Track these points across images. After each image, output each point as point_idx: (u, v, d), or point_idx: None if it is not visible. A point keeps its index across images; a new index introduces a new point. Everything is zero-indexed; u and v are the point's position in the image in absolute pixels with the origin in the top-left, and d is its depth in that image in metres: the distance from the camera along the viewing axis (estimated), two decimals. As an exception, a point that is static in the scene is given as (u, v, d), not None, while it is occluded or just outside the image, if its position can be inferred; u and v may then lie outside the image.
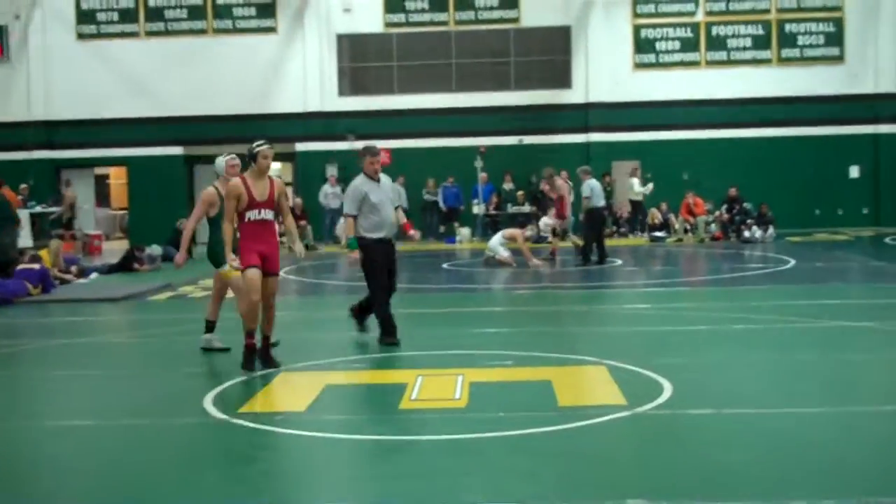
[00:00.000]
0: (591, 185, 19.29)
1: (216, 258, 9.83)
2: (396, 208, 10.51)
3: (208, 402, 7.75)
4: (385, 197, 10.27)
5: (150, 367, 9.72)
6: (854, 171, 28.29)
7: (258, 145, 9.02)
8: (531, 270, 18.71)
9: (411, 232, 11.01)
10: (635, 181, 26.78)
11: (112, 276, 19.36)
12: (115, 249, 25.02)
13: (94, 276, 19.13)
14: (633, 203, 27.01)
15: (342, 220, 10.98)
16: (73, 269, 18.78)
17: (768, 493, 5.30)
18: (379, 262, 10.19)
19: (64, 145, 28.53)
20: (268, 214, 8.93)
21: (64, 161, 28.88)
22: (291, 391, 8.17)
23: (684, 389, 7.74)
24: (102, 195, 32.86)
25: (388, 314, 10.24)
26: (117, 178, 33.22)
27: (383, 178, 10.44)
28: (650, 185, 26.61)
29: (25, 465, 6.45)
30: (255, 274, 8.76)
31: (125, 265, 20.15)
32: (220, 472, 6.05)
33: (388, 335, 10.21)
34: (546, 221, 25.53)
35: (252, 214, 8.85)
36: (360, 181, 10.31)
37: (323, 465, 6.33)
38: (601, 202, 19.59)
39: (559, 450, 6.30)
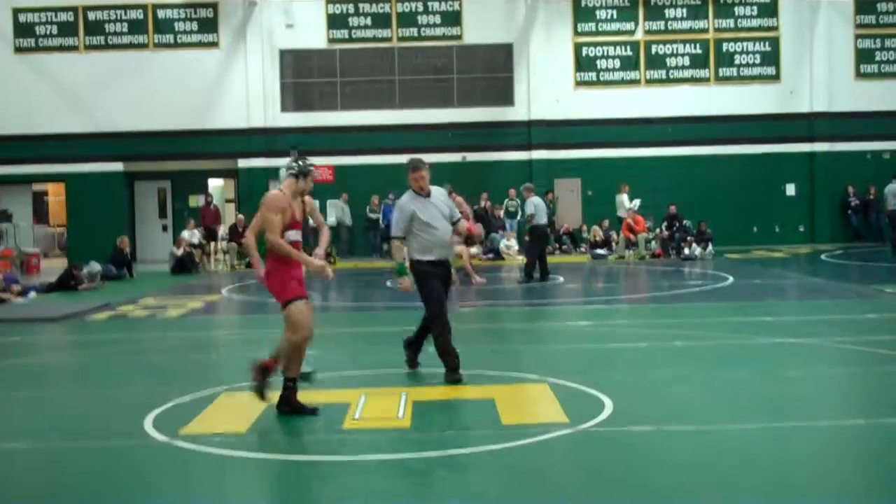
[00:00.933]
0: (535, 203, 19.41)
1: None
2: (456, 222, 9.34)
3: (149, 424, 7.66)
4: (437, 213, 9.15)
5: (89, 388, 9.57)
6: (790, 189, 28.85)
7: (310, 164, 8.04)
8: (474, 288, 18.75)
9: (473, 229, 9.76)
10: (624, 197, 26.82)
11: (51, 295, 19.06)
12: (53, 267, 24.63)
13: (32, 295, 18.82)
14: (622, 220, 26.97)
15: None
16: (15, 287, 18.50)
17: (708, 510, 5.38)
18: (435, 280, 9.13)
19: (0, 161, 28.05)
20: (299, 236, 7.97)
21: (0, 177, 28.40)
22: (232, 412, 8.10)
23: (625, 406, 7.81)
24: (40, 212, 32.36)
25: (449, 343, 9.08)
26: (56, 194, 32.76)
27: (435, 191, 9.32)
28: (637, 202, 26.70)
29: (-40, 490, 6.33)
30: (303, 306, 7.81)
31: (64, 284, 19.85)
32: (161, 495, 5.98)
33: (453, 370, 9.04)
34: (506, 243, 25.89)
35: (290, 235, 7.83)
36: (406, 198, 9.23)
37: (264, 487, 6.30)
38: (544, 220, 19.71)
39: (502, 468, 6.32)
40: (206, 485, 6.21)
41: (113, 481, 6.30)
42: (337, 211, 27.76)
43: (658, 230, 25.89)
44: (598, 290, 19.33)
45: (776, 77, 28.91)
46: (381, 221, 27.00)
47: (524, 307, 16.29)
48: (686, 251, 24.63)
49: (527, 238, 20.02)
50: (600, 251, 25.91)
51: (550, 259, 21.16)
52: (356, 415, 7.80)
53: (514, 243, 26.11)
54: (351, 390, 8.61)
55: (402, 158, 28.93)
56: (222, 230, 26.96)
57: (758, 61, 28.93)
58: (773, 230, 28.71)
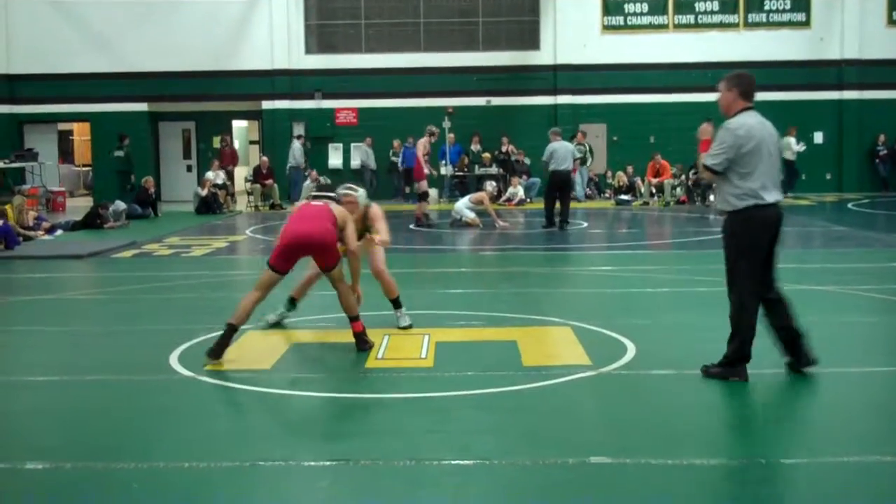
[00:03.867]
0: (552, 149, 19.22)
1: None
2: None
3: (174, 360, 7.76)
4: None
5: (116, 324, 9.68)
6: (818, 137, 28.52)
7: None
8: (497, 232, 18.77)
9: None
10: (791, 140, 26.43)
11: (77, 233, 19.24)
12: (79, 206, 24.80)
13: (58, 232, 19.02)
14: (787, 162, 26.59)
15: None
16: (45, 224, 18.79)
17: (727, 451, 5.41)
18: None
19: (26, 100, 28.13)
20: None
21: (26, 116, 28.50)
22: (257, 349, 8.19)
23: (647, 350, 7.85)
24: (66, 151, 32.48)
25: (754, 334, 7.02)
26: (81, 134, 32.85)
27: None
28: (803, 145, 26.25)
29: (-10, 420, 6.44)
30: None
31: (90, 222, 20.03)
32: (187, 429, 6.07)
33: (741, 361, 6.96)
34: (512, 190, 25.71)
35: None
36: None
37: (289, 423, 6.38)
38: (563, 165, 19.49)
39: (524, 408, 6.38)
40: (231, 419, 6.30)
41: (139, 413, 6.40)
42: (361, 155, 27.76)
43: (683, 177, 25.73)
44: (621, 235, 19.28)
45: (806, 23, 28.48)
46: (399, 165, 26.99)
47: (547, 251, 16.29)
48: (711, 198, 24.47)
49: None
50: (624, 197, 25.80)
51: (576, 205, 21.08)
52: (380, 354, 7.87)
53: (519, 191, 25.84)
54: (375, 330, 8.65)
55: (426, 102, 29.00)
56: (247, 171, 27.00)
57: (788, 7, 28.48)
58: (800, 178, 28.45)
